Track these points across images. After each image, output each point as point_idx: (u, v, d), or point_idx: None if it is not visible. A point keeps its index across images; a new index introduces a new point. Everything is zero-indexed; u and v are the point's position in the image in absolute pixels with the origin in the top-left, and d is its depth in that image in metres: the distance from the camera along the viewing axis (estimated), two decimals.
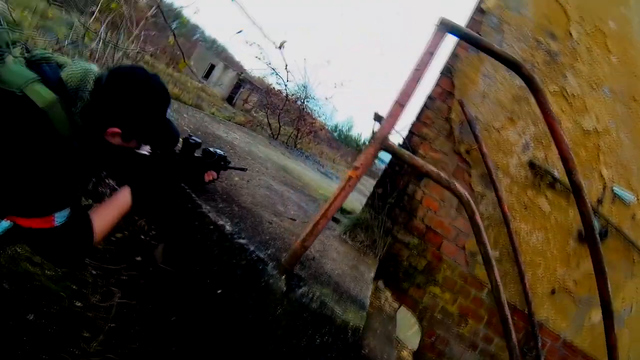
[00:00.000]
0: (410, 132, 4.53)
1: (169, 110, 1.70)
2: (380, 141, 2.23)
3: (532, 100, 4.27)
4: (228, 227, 2.26)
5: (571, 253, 4.65)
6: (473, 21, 4.62)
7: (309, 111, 14.54)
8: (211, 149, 2.36)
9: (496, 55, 2.39)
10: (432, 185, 4.45)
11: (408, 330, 4.49)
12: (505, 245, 4.56)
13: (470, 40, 2.52)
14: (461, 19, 4.64)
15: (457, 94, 4.50)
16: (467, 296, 4.61)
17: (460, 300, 4.61)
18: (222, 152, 2.42)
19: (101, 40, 6.61)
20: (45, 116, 1.34)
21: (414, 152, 4.41)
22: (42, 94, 1.34)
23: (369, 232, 4.10)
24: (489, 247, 2.45)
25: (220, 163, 2.42)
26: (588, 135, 4.66)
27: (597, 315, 4.59)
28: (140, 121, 1.59)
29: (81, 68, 1.52)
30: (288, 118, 14.10)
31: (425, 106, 4.54)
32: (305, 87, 13.81)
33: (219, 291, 2.22)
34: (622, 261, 4.70)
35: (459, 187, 2.29)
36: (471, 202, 2.30)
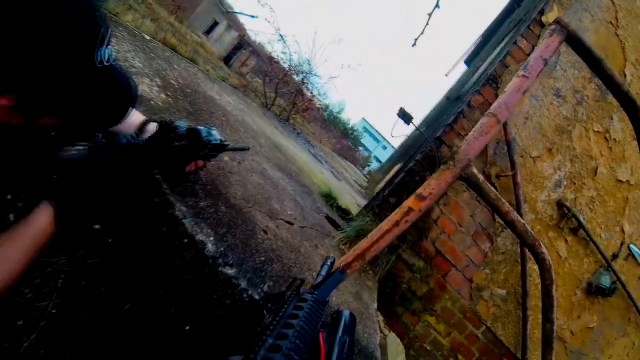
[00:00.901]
0: (440, 139, 3.86)
1: (106, 51, 0.97)
2: (462, 166, 1.57)
3: (575, 134, 4.11)
4: (210, 247, 1.53)
5: (575, 303, 4.38)
6: (529, 32, 4.19)
7: (309, 87, 13.79)
8: (204, 134, 1.59)
9: (614, 87, 1.77)
10: (452, 204, 3.88)
11: (393, 358, 3.95)
12: (513, 284, 4.19)
13: (589, 58, 1.88)
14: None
15: None
16: (462, 331, 4.20)
17: (454, 334, 4.20)
18: (219, 138, 1.67)
19: None
20: None
21: (440, 163, 3.74)
22: None
23: None
24: (555, 326, 1.85)
25: (215, 151, 1.68)
26: (620, 186, 4.38)
27: None
28: (43, 74, 0.85)
29: None
30: (285, 90, 13.34)
31: (462, 114, 3.92)
32: (309, 61, 13.03)
33: (187, 327, 1.49)
34: (619, 319, 4.49)
35: (544, 250, 1.70)
36: (552, 270, 1.70)
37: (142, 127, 1.49)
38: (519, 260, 4.12)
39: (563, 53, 4.21)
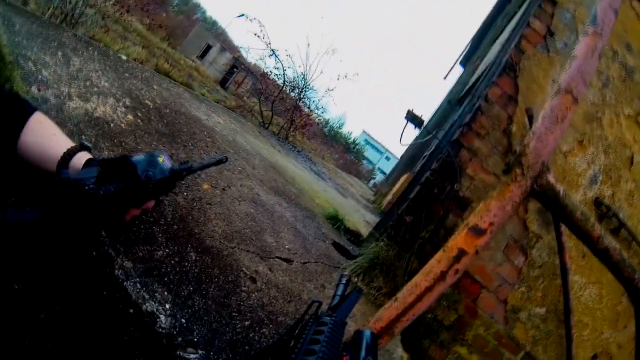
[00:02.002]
0: (458, 142, 3.39)
1: None
2: (535, 175, 1.09)
3: (605, 121, 3.69)
4: (164, 320, 1.07)
5: (621, 313, 3.87)
6: (541, 11, 3.75)
7: (306, 103, 13.37)
8: (141, 167, 1.11)
9: None
10: None
11: None
12: (553, 301, 3.69)
13: None
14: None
15: (521, 100, 3.56)
16: None
17: None
18: (168, 168, 1.16)
19: None
20: None
21: (461, 170, 3.27)
22: None
23: (389, 276, 2.95)
24: None
25: (166, 187, 1.19)
26: None
27: None
28: None
29: None
30: (282, 107, 12.93)
31: (480, 110, 3.47)
32: (304, 75, 12.62)
33: None
34: None
35: None
36: None
37: (65, 158, 1.04)
38: (557, 273, 3.62)
39: (581, 31, 3.75)
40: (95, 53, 2.92)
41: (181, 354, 1.03)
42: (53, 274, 1.16)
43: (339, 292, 1.22)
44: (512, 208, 1.21)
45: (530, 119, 3.33)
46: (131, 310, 1.06)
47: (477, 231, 1.20)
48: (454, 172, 3.31)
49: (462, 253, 1.19)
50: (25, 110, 1.10)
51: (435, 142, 6.02)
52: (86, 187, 0.96)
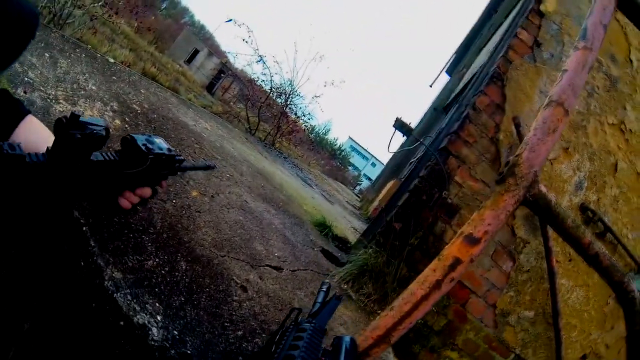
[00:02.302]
0: (446, 149, 3.40)
1: None
2: (527, 185, 1.09)
3: (590, 129, 3.75)
4: (156, 332, 1.05)
5: (608, 314, 3.91)
6: (528, 23, 3.79)
7: (293, 109, 13.32)
8: (141, 141, 1.08)
9: None
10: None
11: None
12: (541, 304, 3.71)
13: None
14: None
15: (509, 109, 3.59)
16: None
17: None
18: (165, 147, 1.15)
19: None
20: None
21: (449, 177, 3.28)
22: None
23: (379, 282, 2.94)
24: None
25: (162, 169, 1.18)
26: None
27: None
28: None
29: None
30: (269, 113, 12.87)
31: (468, 119, 3.49)
32: (291, 82, 12.58)
33: None
34: None
35: (634, 287, 1.33)
36: None
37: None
38: (545, 277, 3.65)
39: (567, 42, 3.85)
40: (83, 55, 2.88)
41: None
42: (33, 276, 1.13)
43: (319, 300, 1.23)
44: (506, 217, 1.22)
45: (518, 127, 3.35)
46: (122, 323, 1.04)
47: (472, 240, 1.20)
48: (442, 180, 3.32)
49: (457, 262, 1.18)
50: (18, 110, 1.06)
51: (422, 149, 6.04)
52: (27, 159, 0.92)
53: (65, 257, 1.13)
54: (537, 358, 3.73)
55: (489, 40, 8.17)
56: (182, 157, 1.27)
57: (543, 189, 1.27)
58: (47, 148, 0.92)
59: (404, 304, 1.17)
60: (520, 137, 3.35)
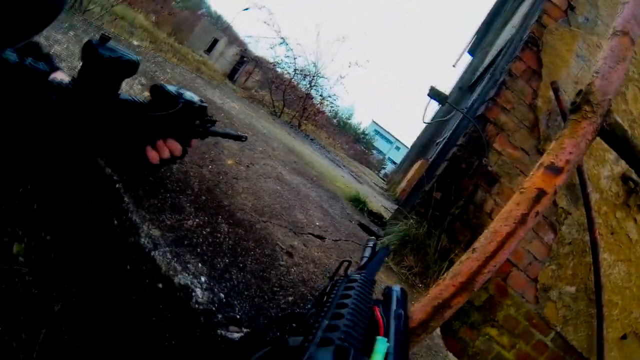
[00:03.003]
0: (483, 116, 3.27)
1: None
2: (604, 113, 0.96)
3: (629, 96, 3.53)
4: (200, 294, 0.94)
5: None
6: None
7: (318, 91, 13.15)
8: (172, 89, 1.00)
9: None
10: (506, 193, 3.29)
11: None
12: (583, 279, 3.54)
13: None
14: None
15: (546, 75, 3.41)
16: (529, 341, 3.53)
17: (520, 345, 3.52)
18: (196, 99, 1.06)
19: None
20: None
21: (488, 145, 3.14)
22: None
23: (420, 254, 2.81)
24: None
25: (194, 122, 1.08)
26: None
27: None
28: None
29: None
30: (294, 96, 12.74)
31: (504, 85, 3.35)
32: (315, 64, 12.42)
33: None
34: None
35: None
36: None
37: None
38: (587, 250, 3.49)
39: (602, 6, 3.65)
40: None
41: (223, 333, 0.89)
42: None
43: (367, 254, 1.20)
44: (586, 145, 1.09)
45: (556, 92, 3.18)
46: (160, 285, 0.93)
47: (555, 169, 1.07)
48: (481, 147, 3.17)
49: (542, 193, 1.05)
50: (51, 63, 0.97)
51: (456, 122, 5.87)
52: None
53: (95, 217, 1.03)
54: (577, 336, 3.59)
55: (513, 14, 7.93)
56: (214, 119, 1.18)
57: (618, 119, 1.13)
58: (72, 77, 0.82)
59: (488, 243, 1.05)
60: (560, 102, 3.17)
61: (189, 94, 1.03)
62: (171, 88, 0.99)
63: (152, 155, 0.97)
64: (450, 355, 3.33)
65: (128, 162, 1.05)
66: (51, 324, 1.01)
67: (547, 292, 3.46)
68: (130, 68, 0.84)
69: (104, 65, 0.80)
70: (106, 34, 0.78)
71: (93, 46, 0.78)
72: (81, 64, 0.81)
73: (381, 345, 0.72)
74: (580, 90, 1.15)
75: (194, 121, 1.08)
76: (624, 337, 3.68)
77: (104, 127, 0.89)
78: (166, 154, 1.01)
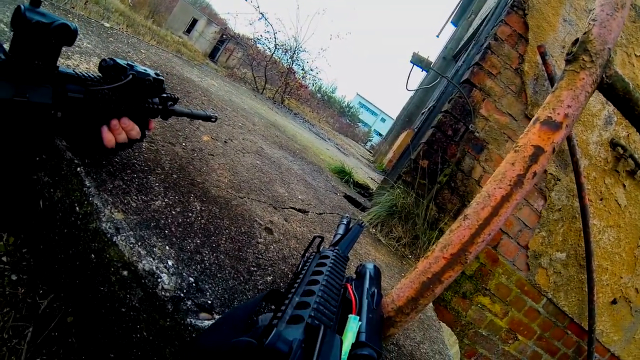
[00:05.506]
0: (469, 82, 3.22)
1: None
2: (603, 63, 0.87)
3: (617, 61, 3.46)
4: (166, 280, 0.86)
5: (639, 257, 3.83)
6: None
7: (300, 65, 12.98)
8: (122, 62, 0.97)
9: None
10: (495, 160, 3.25)
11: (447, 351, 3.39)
12: (573, 245, 3.60)
13: None
14: None
15: (532, 39, 3.35)
16: (521, 308, 3.62)
17: (512, 312, 3.61)
18: (152, 72, 1.02)
19: None
20: None
21: (474, 111, 3.07)
22: None
23: (408, 224, 2.75)
24: None
25: (150, 98, 1.01)
26: None
27: None
28: None
29: None
30: (276, 72, 12.57)
31: (489, 49, 3.27)
32: (295, 38, 12.23)
33: None
34: None
35: None
36: None
37: None
38: (577, 216, 3.51)
39: None
40: (76, 20, 2.68)
41: (193, 321, 0.82)
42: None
43: (340, 231, 1.25)
44: (585, 98, 1.00)
45: (544, 56, 3.13)
46: (125, 273, 0.85)
47: (552, 125, 0.99)
48: (467, 113, 3.11)
49: (539, 151, 0.97)
50: None
51: (440, 90, 5.79)
52: None
53: (58, 206, 0.95)
54: (568, 302, 3.66)
55: None
56: (176, 97, 1.13)
57: (619, 71, 1.06)
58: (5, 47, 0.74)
59: (481, 209, 0.96)
60: (547, 66, 3.14)
61: (143, 69, 0.98)
62: (122, 61, 0.94)
63: (108, 138, 0.90)
64: (444, 325, 3.33)
65: (83, 144, 0.97)
66: (38, 322, 0.94)
67: (537, 259, 3.51)
68: (65, 35, 0.76)
69: (33, 30, 0.72)
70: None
71: (21, 11, 0.70)
72: (12, 33, 0.73)
73: (353, 324, 0.72)
74: (577, 39, 1.07)
75: (148, 96, 1.00)
76: (614, 301, 3.79)
77: (48, 105, 0.80)
78: (122, 137, 0.94)
